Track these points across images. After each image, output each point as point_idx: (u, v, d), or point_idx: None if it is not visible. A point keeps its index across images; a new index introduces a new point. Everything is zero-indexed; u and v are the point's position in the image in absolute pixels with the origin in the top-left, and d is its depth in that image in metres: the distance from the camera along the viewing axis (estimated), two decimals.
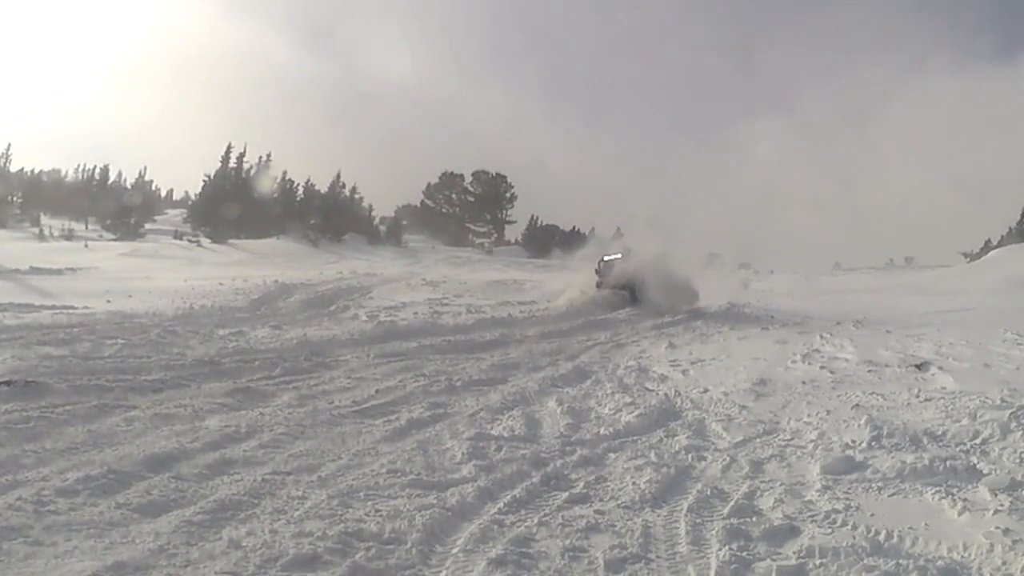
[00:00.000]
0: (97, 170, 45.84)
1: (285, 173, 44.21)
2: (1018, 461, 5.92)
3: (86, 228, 39.08)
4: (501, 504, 5.12)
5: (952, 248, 38.75)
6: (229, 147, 43.22)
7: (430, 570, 4.15)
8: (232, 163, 43.15)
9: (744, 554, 4.37)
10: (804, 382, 9.51)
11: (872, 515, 5.00)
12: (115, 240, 35.42)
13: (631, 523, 4.84)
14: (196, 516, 4.63)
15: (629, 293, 19.74)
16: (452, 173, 54.86)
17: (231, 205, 38.73)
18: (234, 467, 5.65)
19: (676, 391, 9.01)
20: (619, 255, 21.06)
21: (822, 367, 10.49)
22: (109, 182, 46.24)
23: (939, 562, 4.26)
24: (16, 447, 5.69)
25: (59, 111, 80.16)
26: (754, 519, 4.92)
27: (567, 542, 4.50)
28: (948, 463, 5.84)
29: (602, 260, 21.22)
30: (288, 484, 5.32)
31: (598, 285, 20.42)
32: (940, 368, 9.99)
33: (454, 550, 4.38)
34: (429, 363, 10.57)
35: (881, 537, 4.59)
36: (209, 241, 36.00)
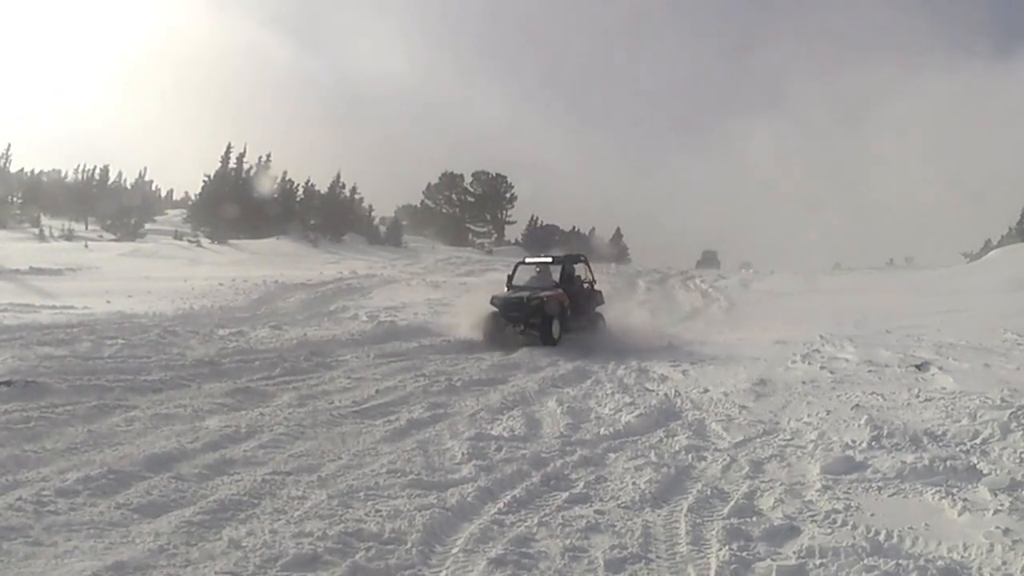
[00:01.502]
0: (97, 170, 45.87)
1: (285, 173, 44.23)
2: (1018, 461, 5.92)
3: (86, 228, 39.06)
4: (501, 504, 5.12)
5: (952, 248, 38.76)
6: (229, 147, 43.27)
7: (430, 570, 4.15)
8: (232, 163, 43.16)
9: (744, 554, 4.37)
10: (804, 382, 9.52)
11: (872, 515, 5.00)
12: (115, 240, 35.40)
13: (631, 523, 4.84)
14: (196, 516, 4.63)
15: (536, 325, 13.02)
16: (452, 173, 54.81)
17: (231, 205, 38.71)
18: (234, 467, 5.65)
19: (676, 391, 9.01)
20: (548, 259, 14.88)
21: (822, 367, 10.49)
22: (109, 182, 46.23)
23: (939, 562, 4.26)
24: (16, 447, 5.69)
25: (59, 111, 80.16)
26: (754, 519, 4.92)
27: (567, 542, 4.51)
28: (948, 463, 5.84)
29: (520, 264, 14.93)
30: (288, 484, 5.32)
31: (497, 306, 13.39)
32: (940, 368, 10.00)
33: (454, 550, 4.38)
34: (429, 363, 10.57)
35: (881, 537, 4.59)
36: (209, 241, 36.00)
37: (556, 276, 14.10)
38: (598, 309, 14.80)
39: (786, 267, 31.22)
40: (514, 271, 14.52)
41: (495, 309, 13.23)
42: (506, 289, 13.98)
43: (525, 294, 13.27)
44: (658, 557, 4.40)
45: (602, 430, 7.17)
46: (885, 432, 6.78)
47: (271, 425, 6.86)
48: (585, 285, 14.77)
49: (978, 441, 6.50)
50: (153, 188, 53.54)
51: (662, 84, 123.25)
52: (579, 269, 14.94)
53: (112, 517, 4.58)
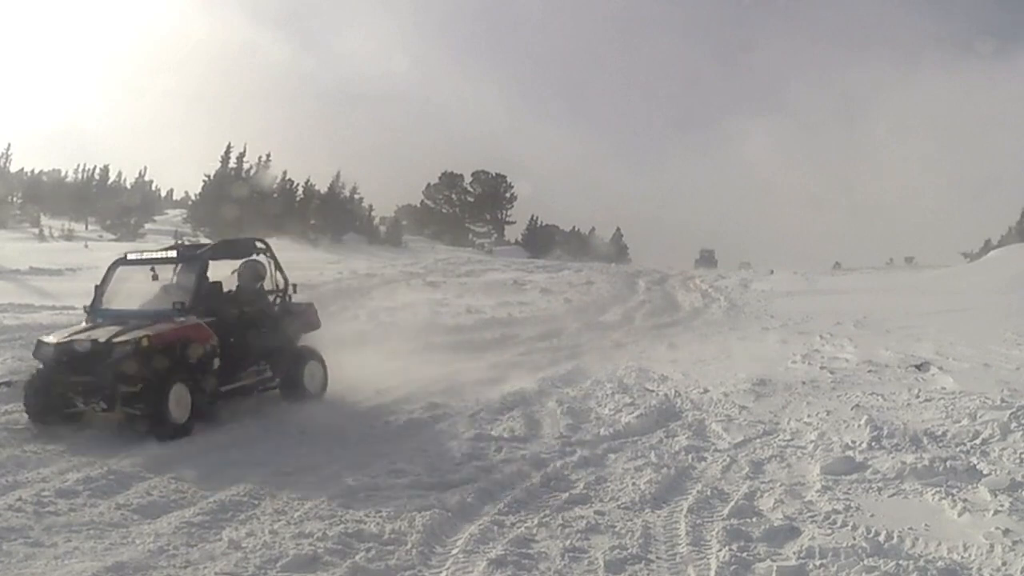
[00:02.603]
0: (97, 170, 45.93)
1: (285, 173, 44.23)
2: (1018, 461, 5.92)
3: (86, 228, 39.05)
4: (501, 505, 5.12)
5: (952, 248, 38.75)
6: (229, 147, 43.29)
7: (430, 571, 4.15)
8: (232, 163, 43.18)
9: (744, 555, 4.37)
10: (804, 382, 9.50)
11: (872, 515, 5.00)
12: (115, 240, 35.35)
13: (631, 524, 4.84)
14: (196, 517, 4.64)
15: (136, 399, 6.34)
16: (452, 173, 54.82)
17: (231, 205, 38.72)
18: (234, 467, 5.66)
19: (676, 391, 8.99)
20: (171, 252, 8.05)
21: (822, 367, 10.48)
22: (109, 182, 46.28)
23: (939, 563, 4.26)
24: (16, 447, 5.70)
25: (59, 111, 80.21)
26: (754, 520, 4.92)
27: (567, 543, 4.51)
28: (948, 463, 5.83)
29: (120, 263, 7.84)
30: (288, 485, 5.33)
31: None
32: (940, 368, 9.98)
33: (454, 551, 4.38)
34: (429, 363, 10.56)
35: (881, 538, 4.59)
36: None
37: (188, 286, 7.34)
38: (306, 343, 8.40)
39: (785, 267, 31.15)
40: (107, 277, 7.66)
41: (43, 366, 6.80)
42: (85, 319, 7.35)
43: (105, 335, 6.62)
44: (658, 558, 4.40)
45: (602, 430, 7.16)
46: (885, 432, 6.77)
47: (271, 425, 6.86)
48: (273, 297, 8.33)
49: (978, 441, 6.49)
50: (153, 188, 53.47)
51: (662, 84, 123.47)
52: (247, 268, 8.27)
53: (112, 518, 4.58)
